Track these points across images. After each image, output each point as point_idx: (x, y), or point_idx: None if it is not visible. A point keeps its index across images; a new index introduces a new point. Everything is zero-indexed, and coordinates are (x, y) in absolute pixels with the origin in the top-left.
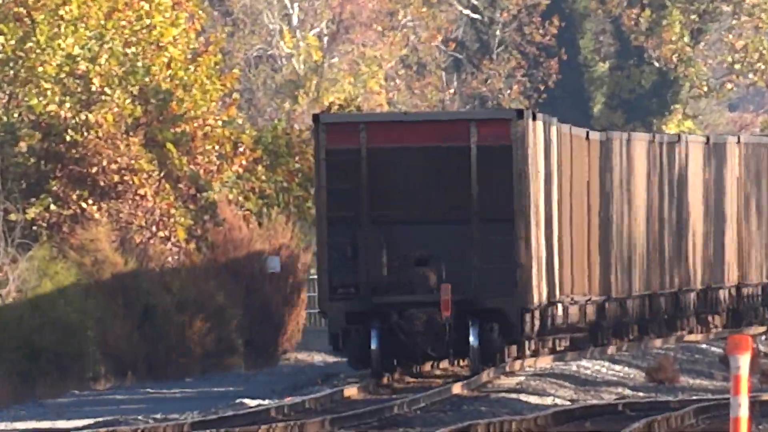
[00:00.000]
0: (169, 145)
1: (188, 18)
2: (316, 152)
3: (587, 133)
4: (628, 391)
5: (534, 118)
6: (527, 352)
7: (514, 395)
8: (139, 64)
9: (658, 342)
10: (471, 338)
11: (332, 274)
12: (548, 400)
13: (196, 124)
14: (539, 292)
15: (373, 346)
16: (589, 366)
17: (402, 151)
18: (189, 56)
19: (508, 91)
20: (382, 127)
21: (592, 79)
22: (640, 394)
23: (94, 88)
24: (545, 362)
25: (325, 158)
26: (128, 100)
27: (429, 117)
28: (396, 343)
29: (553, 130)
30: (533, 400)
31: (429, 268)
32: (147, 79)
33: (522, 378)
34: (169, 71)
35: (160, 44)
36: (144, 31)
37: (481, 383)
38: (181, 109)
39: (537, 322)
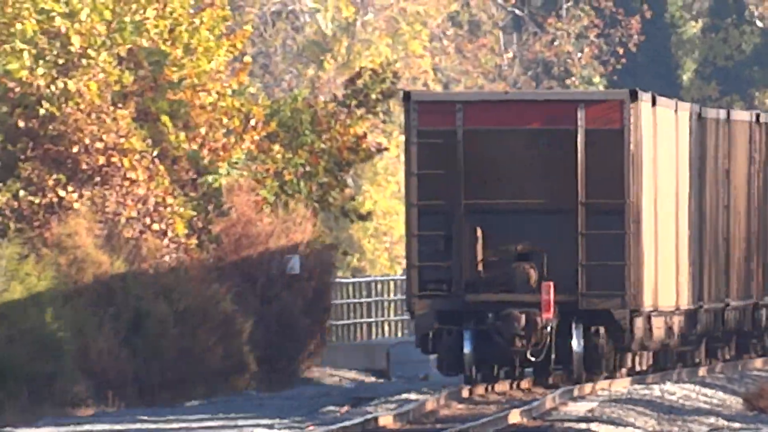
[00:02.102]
0: (165, 118)
1: None
2: (407, 134)
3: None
4: (722, 421)
5: (654, 103)
6: (637, 364)
7: (584, 425)
8: (127, 19)
9: (759, 362)
10: (574, 343)
11: (422, 269)
12: None
13: (198, 93)
14: (652, 295)
15: (466, 349)
16: (675, 390)
17: (502, 133)
18: (191, 11)
19: (579, 56)
20: (480, 107)
21: (681, 42)
22: (736, 425)
23: (73, 50)
24: (622, 385)
25: (417, 140)
26: (115, 64)
27: (532, 97)
28: (492, 347)
29: (668, 112)
30: (607, 431)
31: (529, 264)
32: (137, 38)
33: (594, 404)
34: (166, 27)
35: None
36: None
37: (544, 410)
38: (179, 75)
39: (649, 329)
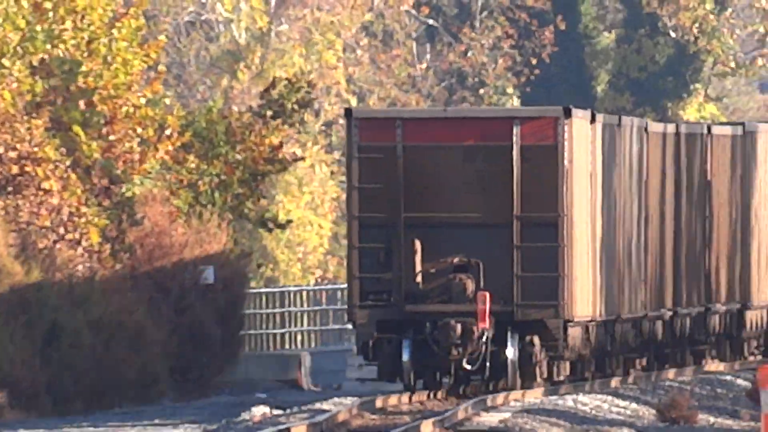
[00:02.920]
0: (76, 128)
1: None
2: (348, 149)
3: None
4: None
5: (593, 119)
6: (564, 374)
7: None
8: (38, 28)
9: (671, 373)
10: (509, 352)
11: (363, 280)
12: None
13: (115, 104)
14: (585, 305)
15: (405, 357)
16: (588, 401)
17: (440, 149)
18: (105, 21)
19: (493, 66)
20: (419, 123)
21: (595, 52)
22: None
23: None
24: (535, 395)
25: (358, 155)
26: (27, 73)
27: (469, 114)
28: (430, 356)
29: (598, 126)
30: None
31: (466, 275)
32: (50, 48)
33: (507, 414)
34: (83, 39)
35: (73, 1)
36: None
37: (457, 420)
38: (96, 84)
39: (580, 339)
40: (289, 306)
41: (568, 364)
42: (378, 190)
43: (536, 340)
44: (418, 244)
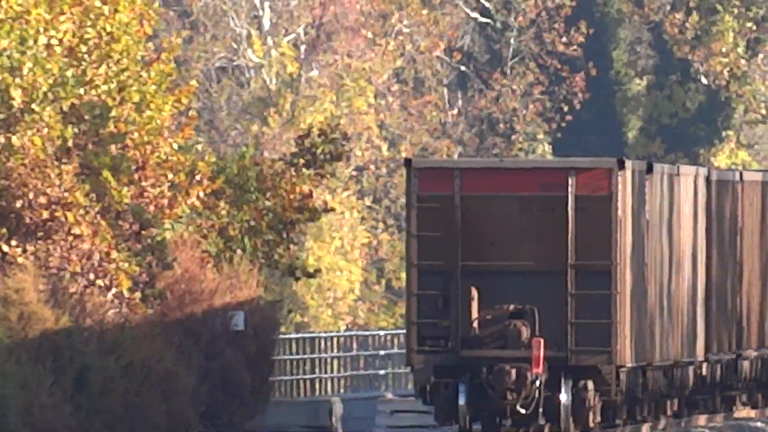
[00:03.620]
0: (106, 173)
1: (136, 18)
2: (408, 198)
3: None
4: None
5: (650, 170)
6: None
7: None
8: (69, 73)
9: (702, 419)
10: (562, 396)
11: (420, 326)
12: None
13: (148, 149)
14: (635, 352)
15: (461, 401)
16: None
17: (497, 199)
18: (138, 67)
19: (524, 112)
20: (476, 173)
21: (626, 99)
22: None
23: (15, 104)
24: None
25: (417, 204)
26: (58, 119)
27: (526, 164)
28: (485, 399)
29: (657, 177)
30: None
31: (521, 322)
32: (80, 91)
33: None
34: (116, 86)
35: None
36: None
37: None
38: (127, 129)
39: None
40: (320, 352)
41: (625, 408)
42: (436, 238)
43: (590, 385)
44: (474, 291)
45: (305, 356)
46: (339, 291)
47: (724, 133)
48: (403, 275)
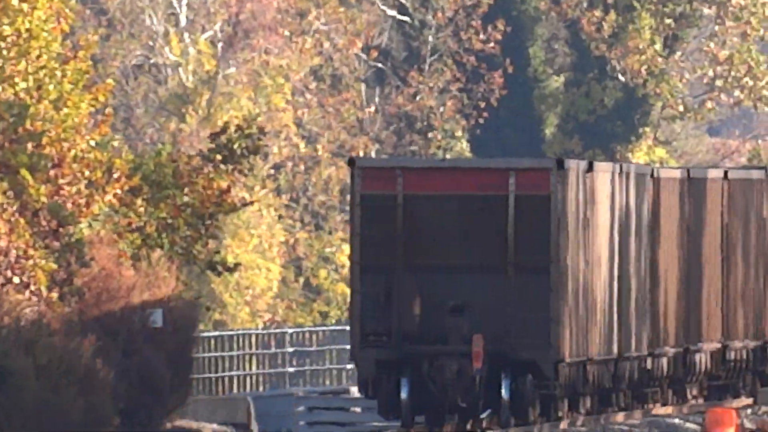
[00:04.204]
0: (24, 172)
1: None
2: (352, 197)
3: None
4: None
5: (590, 169)
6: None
7: None
8: None
9: (620, 416)
10: (503, 391)
11: (364, 321)
12: None
13: (65, 146)
14: (575, 346)
15: (403, 395)
16: None
17: (438, 198)
18: (56, 64)
19: (441, 109)
20: (419, 173)
21: (543, 96)
22: None
23: None
24: None
25: (360, 203)
26: None
27: (467, 164)
28: (426, 394)
29: (595, 175)
30: None
31: (463, 318)
32: None
33: None
34: (34, 82)
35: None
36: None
37: None
38: (44, 127)
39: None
40: (238, 349)
41: (566, 401)
42: (379, 236)
43: (529, 379)
44: (416, 288)
45: (224, 354)
46: (257, 289)
47: (641, 130)
48: (321, 272)
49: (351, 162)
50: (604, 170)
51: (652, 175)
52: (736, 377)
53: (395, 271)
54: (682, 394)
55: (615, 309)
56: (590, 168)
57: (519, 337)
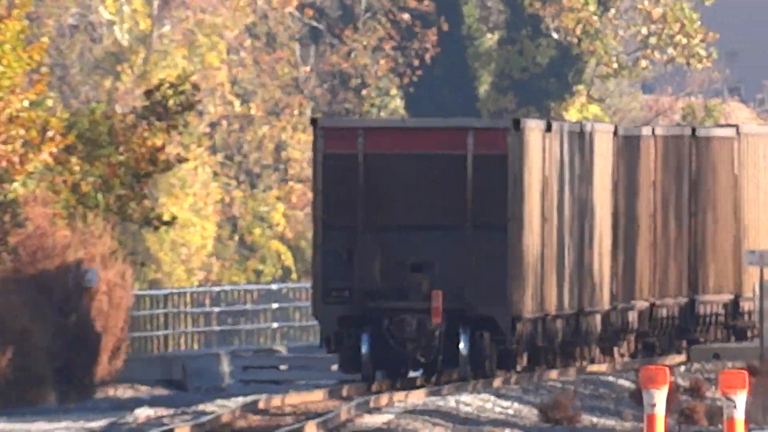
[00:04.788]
0: None
1: None
2: (314, 156)
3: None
4: None
5: (548, 129)
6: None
7: None
8: None
9: (554, 373)
10: (461, 345)
11: (326, 278)
12: None
13: (0, 106)
14: (532, 302)
15: (364, 350)
16: (470, 401)
17: (399, 157)
18: None
19: (375, 68)
20: (380, 133)
21: (478, 54)
22: None
23: None
24: (418, 397)
25: (323, 162)
26: None
27: (427, 124)
28: (387, 349)
29: (553, 136)
30: None
31: (423, 275)
32: None
33: (390, 416)
34: None
35: None
36: None
37: (340, 422)
38: None
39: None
40: (173, 307)
41: (526, 356)
42: (341, 195)
43: (486, 334)
44: (377, 245)
45: (159, 311)
46: (192, 247)
47: (575, 88)
48: (256, 230)
49: (313, 122)
50: (561, 130)
51: (615, 134)
52: (665, 335)
53: (357, 229)
54: (611, 351)
55: (566, 267)
56: (549, 128)
57: (477, 293)
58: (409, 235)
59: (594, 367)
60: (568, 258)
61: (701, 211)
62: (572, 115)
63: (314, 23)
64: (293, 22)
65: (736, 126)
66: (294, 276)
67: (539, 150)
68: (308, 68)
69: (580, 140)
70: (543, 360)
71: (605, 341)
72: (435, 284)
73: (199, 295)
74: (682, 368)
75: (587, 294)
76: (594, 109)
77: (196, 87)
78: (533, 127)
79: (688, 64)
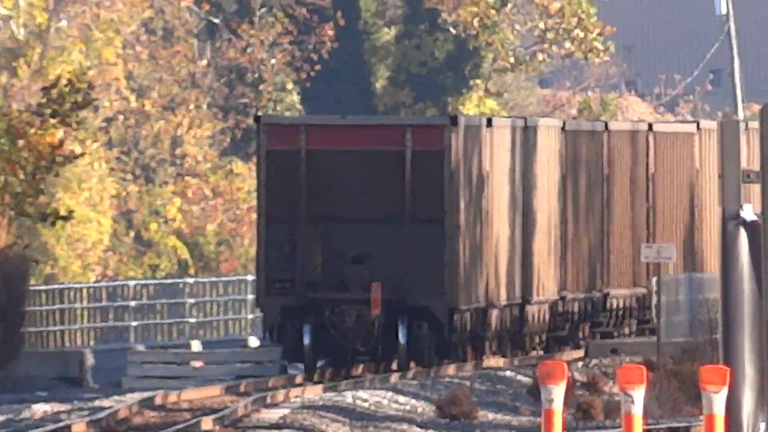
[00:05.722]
0: None
1: None
2: (258, 152)
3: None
4: (415, 429)
5: (489, 124)
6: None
7: None
8: None
9: (451, 368)
10: (399, 336)
11: (269, 270)
12: None
13: None
14: (469, 294)
15: (306, 341)
16: (367, 397)
17: (339, 153)
18: None
19: (272, 62)
20: (321, 129)
21: (375, 48)
22: None
23: None
24: (315, 393)
25: (266, 158)
26: None
27: (366, 121)
28: (328, 339)
29: (487, 131)
30: None
31: (363, 267)
32: None
33: (287, 411)
34: None
35: None
36: None
37: (237, 417)
38: None
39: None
40: (70, 303)
41: (465, 346)
42: (283, 189)
43: (425, 325)
44: (318, 238)
45: (55, 307)
46: (88, 242)
47: (472, 82)
48: (152, 226)
49: (257, 119)
50: (503, 125)
51: (563, 129)
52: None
53: (299, 223)
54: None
55: (505, 260)
56: (489, 124)
57: (415, 285)
58: (350, 229)
59: (491, 362)
60: (507, 251)
61: (611, 206)
62: (469, 109)
63: (211, 18)
64: (190, 16)
65: (650, 124)
66: (191, 271)
67: (478, 145)
68: (205, 63)
69: (524, 134)
70: (487, 350)
71: (553, 330)
72: (375, 276)
73: (96, 290)
74: (580, 364)
75: (527, 286)
76: (491, 103)
77: (91, 86)
78: (472, 123)
79: (585, 58)
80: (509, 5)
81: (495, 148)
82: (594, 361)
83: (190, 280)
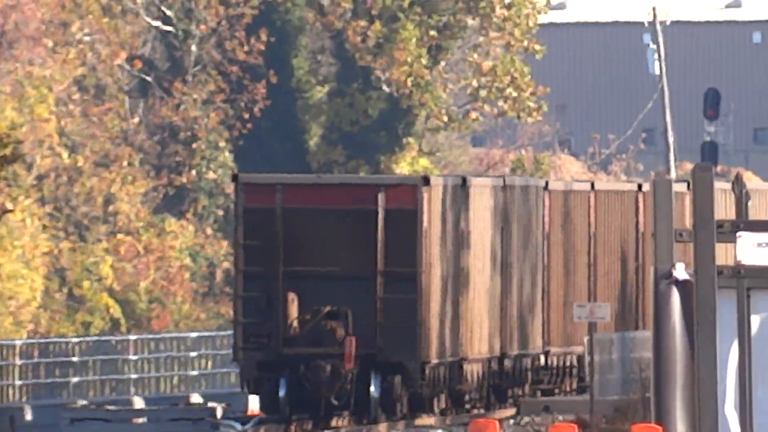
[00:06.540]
0: None
1: None
2: (235, 210)
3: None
4: None
5: (464, 184)
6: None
7: None
8: None
9: (382, 427)
10: (372, 389)
11: (245, 325)
12: None
13: None
14: (441, 348)
15: (282, 394)
16: None
17: (314, 211)
18: None
19: (205, 120)
20: (296, 188)
21: (308, 106)
22: None
23: None
24: None
25: (243, 216)
26: None
27: (340, 180)
28: (303, 392)
29: (470, 190)
30: None
31: (337, 322)
32: None
33: None
34: None
35: None
36: None
37: None
38: None
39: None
40: (2, 360)
41: (444, 398)
42: (260, 246)
43: (397, 379)
44: (294, 294)
45: None
46: (21, 299)
47: (405, 141)
48: (85, 283)
49: (234, 177)
50: (479, 185)
51: (546, 188)
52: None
53: (275, 279)
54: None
55: (477, 314)
56: (464, 183)
57: (388, 340)
58: (325, 285)
59: (424, 420)
60: (478, 305)
61: (553, 264)
62: (403, 168)
63: (143, 75)
64: (122, 74)
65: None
66: (123, 328)
67: (450, 204)
68: (137, 120)
69: (502, 193)
70: (466, 402)
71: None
72: (348, 331)
73: (28, 347)
74: (512, 421)
75: (502, 339)
76: (424, 162)
77: (19, 141)
78: (444, 183)
79: (518, 117)
80: (442, 63)
81: (470, 207)
82: (526, 419)
83: (132, 337)
